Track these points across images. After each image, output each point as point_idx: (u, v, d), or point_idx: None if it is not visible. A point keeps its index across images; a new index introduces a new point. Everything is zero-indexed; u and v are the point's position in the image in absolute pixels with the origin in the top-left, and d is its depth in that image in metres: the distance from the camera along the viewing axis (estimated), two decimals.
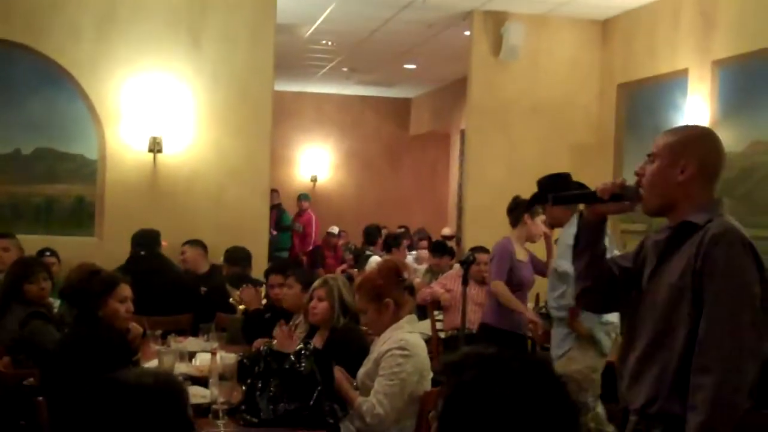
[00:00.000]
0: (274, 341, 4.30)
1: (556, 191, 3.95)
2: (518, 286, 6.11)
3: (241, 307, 5.82)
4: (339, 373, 3.95)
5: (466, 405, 1.59)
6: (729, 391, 2.47)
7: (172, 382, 1.88)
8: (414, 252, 10.73)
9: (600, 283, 2.86)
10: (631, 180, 2.81)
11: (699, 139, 2.75)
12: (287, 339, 4.12)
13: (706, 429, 2.47)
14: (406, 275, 4.23)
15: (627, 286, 2.83)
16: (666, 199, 2.71)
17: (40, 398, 3.70)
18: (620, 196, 2.74)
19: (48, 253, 6.83)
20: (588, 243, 2.84)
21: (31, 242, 7.07)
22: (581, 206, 2.93)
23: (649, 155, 2.76)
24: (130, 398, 1.73)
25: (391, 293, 4.02)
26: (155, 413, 1.74)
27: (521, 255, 6.19)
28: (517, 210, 6.18)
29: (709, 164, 2.71)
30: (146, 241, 7.08)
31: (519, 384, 1.59)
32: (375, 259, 8.96)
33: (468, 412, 1.58)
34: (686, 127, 2.92)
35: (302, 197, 14.15)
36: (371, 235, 10.74)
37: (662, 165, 2.70)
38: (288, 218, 13.40)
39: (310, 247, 13.54)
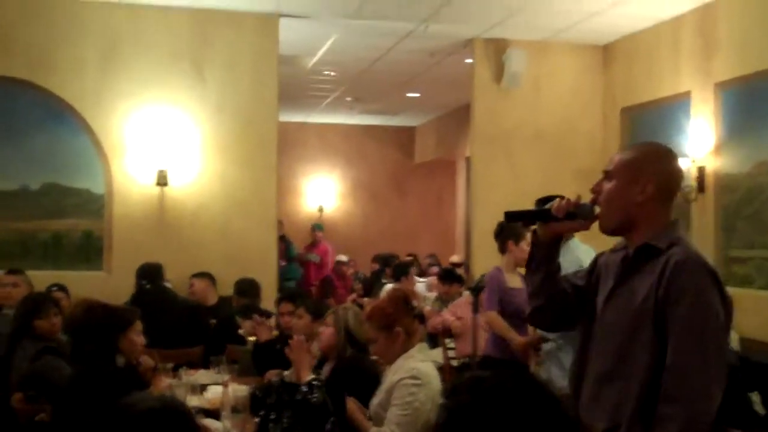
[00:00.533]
0: (286, 373, 4.30)
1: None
2: (515, 314, 5.80)
3: (251, 338, 5.81)
4: (352, 403, 3.94)
5: (461, 427, 1.59)
6: (697, 421, 2.42)
7: (177, 403, 1.90)
8: (423, 280, 10.72)
9: (553, 302, 2.82)
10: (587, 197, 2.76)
11: (659, 158, 2.71)
12: (302, 350, 4.11)
13: None
14: (415, 303, 4.23)
15: (579, 304, 2.79)
16: (624, 218, 2.67)
17: None
18: (574, 215, 2.70)
19: (55, 288, 6.83)
20: (542, 261, 2.80)
21: (40, 278, 7.08)
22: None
23: (605, 172, 2.71)
24: (143, 424, 1.75)
25: (402, 322, 4.02)
26: None
27: (514, 282, 5.94)
28: (502, 236, 5.99)
29: (668, 183, 2.69)
30: (150, 274, 7.10)
31: (513, 403, 1.58)
32: (389, 287, 8.97)
33: None
34: (644, 145, 2.84)
35: (316, 228, 14.11)
36: (386, 263, 10.78)
37: (621, 184, 2.66)
38: (293, 250, 13.36)
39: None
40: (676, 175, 2.74)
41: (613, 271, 2.69)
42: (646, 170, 2.64)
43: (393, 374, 3.97)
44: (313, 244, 13.83)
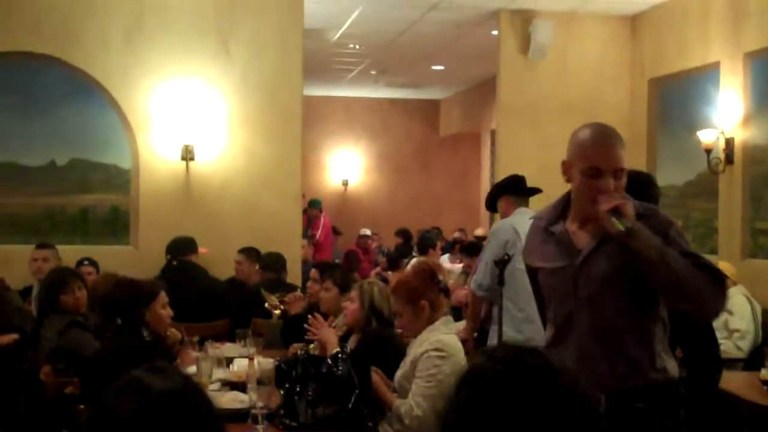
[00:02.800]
0: (311, 346, 4.32)
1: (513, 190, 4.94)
2: None
3: (277, 312, 5.84)
4: (376, 375, 3.96)
5: (472, 391, 1.59)
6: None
7: (195, 383, 1.84)
8: (448, 254, 10.71)
9: None
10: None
11: None
12: (324, 327, 4.18)
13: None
14: (441, 277, 4.23)
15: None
16: None
17: (81, 406, 3.74)
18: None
19: (87, 263, 6.89)
20: None
21: (68, 253, 7.14)
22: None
23: (620, 170, 2.87)
24: (161, 406, 1.68)
25: (427, 295, 4.02)
26: (189, 417, 1.69)
27: None
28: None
29: None
30: (177, 249, 7.16)
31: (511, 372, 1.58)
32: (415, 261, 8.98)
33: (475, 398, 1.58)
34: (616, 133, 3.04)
35: (312, 204, 12.66)
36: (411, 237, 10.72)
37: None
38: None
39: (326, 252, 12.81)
40: None
41: (561, 250, 2.94)
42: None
43: (417, 347, 3.98)
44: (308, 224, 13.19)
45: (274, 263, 7.15)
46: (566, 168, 2.92)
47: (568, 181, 2.92)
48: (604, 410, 2.56)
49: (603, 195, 2.76)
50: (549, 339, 3.00)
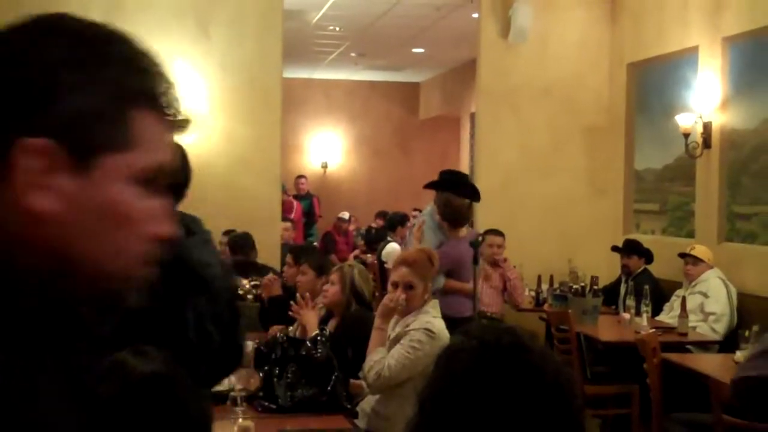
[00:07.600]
0: (290, 328, 4.34)
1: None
2: None
3: (250, 296, 5.86)
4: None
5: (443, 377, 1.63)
6: None
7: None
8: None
9: None
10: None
11: None
12: (308, 309, 4.20)
13: None
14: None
15: None
16: None
17: None
18: None
19: None
20: None
21: None
22: None
23: None
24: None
25: (429, 279, 4.10)
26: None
27: None
28: None
29: None
30: None
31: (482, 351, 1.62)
32: (393, 246, 8.98)
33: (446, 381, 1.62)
34: None
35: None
36: (392, 222, 10.69)
37: None
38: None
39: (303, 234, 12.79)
40: None
41: None
42: None
43: (403, 327, 4.00)
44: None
45: (242, 244, 7.12)
46: None
47: None
48: None
49: None
50: None
